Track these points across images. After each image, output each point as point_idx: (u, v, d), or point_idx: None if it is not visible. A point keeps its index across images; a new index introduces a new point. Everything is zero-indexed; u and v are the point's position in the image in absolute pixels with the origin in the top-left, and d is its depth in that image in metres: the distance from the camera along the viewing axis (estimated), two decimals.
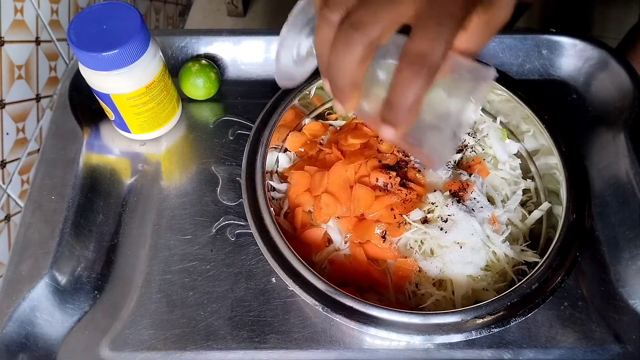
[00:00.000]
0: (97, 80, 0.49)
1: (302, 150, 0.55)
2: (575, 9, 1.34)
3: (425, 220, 0.48)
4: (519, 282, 0.44)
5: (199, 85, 0.58)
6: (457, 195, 0.49)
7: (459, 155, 0.53)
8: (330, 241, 0.49)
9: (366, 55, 0.28)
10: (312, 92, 0.56)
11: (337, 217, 0.49)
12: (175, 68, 0.61)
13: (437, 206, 0.48)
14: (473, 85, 0.30)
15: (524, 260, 0.48)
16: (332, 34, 0.29)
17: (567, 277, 0.44)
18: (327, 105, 0.59)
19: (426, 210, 0.48)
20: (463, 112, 0.30)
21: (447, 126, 0.31)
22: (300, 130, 0.57)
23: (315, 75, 0.54)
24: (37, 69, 0.64)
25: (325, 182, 0.49)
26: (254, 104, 0.58)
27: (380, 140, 0.53)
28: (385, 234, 0.47)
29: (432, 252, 0.47)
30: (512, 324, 0.41)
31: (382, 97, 0.29)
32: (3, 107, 0.59)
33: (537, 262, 0.45)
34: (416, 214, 0.47)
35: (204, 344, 0.44)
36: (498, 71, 0.55)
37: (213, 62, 0.59)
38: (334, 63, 0.29)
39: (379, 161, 0.51)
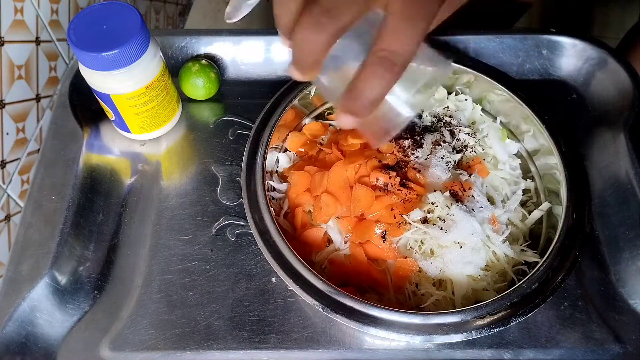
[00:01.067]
0: (97, 80, 0.49)
1: (302, 150, 0.55)
2: (576, 9, 1.34)
3: (425, 220, 0.48)
4: (519, 282, 0.44)
5: (199, 85, 0.58)
6: (457, 195, 0.49)
7: (459, 155, 0.53)
8: (330, 241, 0.49)
9: (332, 40, 0.28)
10: (312, 92, 0.56)
11: (337, 217, 0.49)
12: (175, 68, 0.61)
13: (437, 206, 0.47)
14: (432, 75, 0.32)
15: (524, 260, 0.48)
16: (296, 6, 0.29)
17: (567, 277, 0.44)
18: (327, 105, 0.59)
19: (426, 210, 0.48)
20: (418, 102, 0.32)
21: (401, 113, 0.33)
22: (300, 130, 0.57)
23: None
24: (37, 69, 0.64)
25: (325, 182, 0.49)
26: (254, 104, 0.58)
27: None
28: (385, 234, 0.47)
29: (432, 252, 0.47)
30: (512, 324, 0.41)
31: (343, 75, 0.30)
32: (3, 107, 0.59)
33: (537, 262, 0.45)
34: (416, 214, 0.47)
35: (204, 344, 0.44)
36: (498, 71, 0.55)
37: (213, 62, 0.59)
38: (299, 39, 0.29)
39: (379, 161, 0.51)
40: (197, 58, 0.60)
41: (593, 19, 1.30)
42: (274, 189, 0.53)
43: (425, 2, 0.27)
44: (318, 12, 0.28)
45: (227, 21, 0.40)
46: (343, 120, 0.30)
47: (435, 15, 0.28)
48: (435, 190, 0.49)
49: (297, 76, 0.32)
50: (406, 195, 0.48)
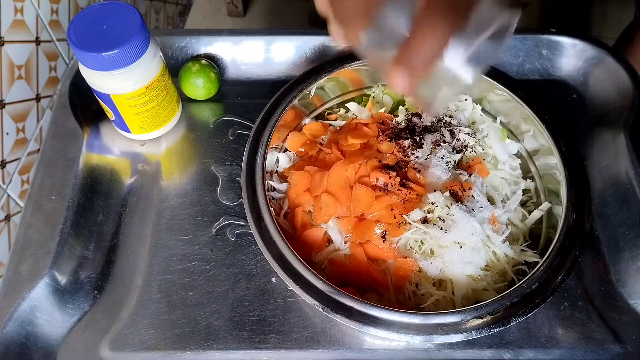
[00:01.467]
0: (97, 80, 0.49)
1: (302, 150, 0.55)
2: (574, 8, 1.34)
3: (425, 220, 0.47)
4: (519, 282, 0.44)
5: (199, 85, 0.58)
6: (457, 195, 0.49)
7: (459, 155, 0.53)
8: (330, 241, 0.49)
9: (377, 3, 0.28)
10: (312, 92, 0.56)
11: (337, 217, 0.49)
12: (175, 68, 0.61)
13: (437, 206, 0.47)
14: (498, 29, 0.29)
15: (524, 260, 0.48)
16: None
17: (567, 277, 0.44)
18: (327, 105, 0.59)
19: (426, 210, 0.48)
20: (470, 78, 0.30)
21: (455, 86, 0.31)
22: (300, 130, 0.57)
23: (315, 75, 0.55)
24: (37, 69, 0.64)
25: (325, 182, 0.49)
26: (254, 104, 0.58)
27: (381, 140, 0.53)
28: (385, 234, 0.47)
29: (432, 252, 0.47)
30: (512, 324, 0.41)
31: (392, 37, 0.28)
32: (3, 107, 0.59)
33: (537, 262, 0.45)
34: (416, 214, 0.47)
35: (204, 344, 0.44)
36: (498, 71, 0.55)
37: (213, 62, 0.59)
38: (339, 5, 0.29)
39: (379, 161, 0.51)
40: (197, 58, 0.60)
41: (591, 17, 1.30)
42: (274, 189, 0.53)
43: None
44: None
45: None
46: (397, 80, 0.28)
47: None
48: (435, 190, 0.48)
49: (341, 43, 0.30)
50: (406, 195, 0.48)
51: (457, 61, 0.30)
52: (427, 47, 0.27)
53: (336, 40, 0.31)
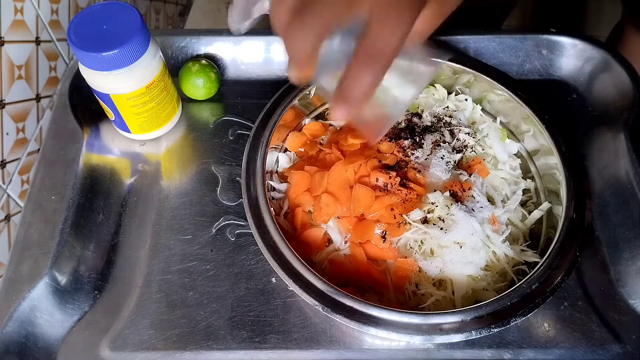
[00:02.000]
0: (97, 80, 0.49)
1: (302, 150, 0.55)
2: (569, 5, 1.33)
3: (425, 220, 0.48)
4: (519, 282, 0.44)
5: (199, 85, 0.58)
6: (457, 195, 0.49)
7: (459, 155, 0.53)
8: (330, 241, 0.49)
9: (318, 39, 0.30)
10: (312, 92, 0.56)
11: (337, 217, 0.49)
12: (175, 68, 0.61)
13: (437, 206, 0.47)
14: (420, 76, 0.34)
15: (524, 260, 0.48)
16: (288, 8, 0.31)
17: (567, 277, 0.44)
18: (327, 105, 0.59)
19: (426, 210, 0.48)
20: (408, 99, 0.35)
21: (393, 109, 0.35)
22: (300, 130, 0.57)
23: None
24: (37, 69, 0.64)
25: (325, 182, 0.49)
26: (254, 104, 0.58)
27: (381, 140, 0.53)
28: (385, 234, 0.47)
29: (432, 252, 0.47)
30: (512, 324, 0.41)
31: (337, 76, 0.32)
32: (3, 107, 0.59)
33: (537, 262, 0.45)
34: (416, 214, 0.47)
35: (204, 344, 0.44)
36: (498, 71, 0.55)
37: (213, 62, 0.59)
38: (289, 39, 0.31)
39: (379, 161, 0.51)
40: (197, 58, 0.60)
41: (586, 14, 1.30)
42: (274, 189, 0.53)
43: (405, 3, 0.30)
44: (303, 13, 0.30)
45: (236, 34, 0.42)
46: (335, 115, 0.32)
47: (416, 13, 0.30)
48: (435, 190, 0.49)
49: (294, 75, 0.33)
50: (406, 195, 0.48)
51: (387, 100, 0.35)
52: (359, 86, 0.30)
53: (290, 75, 0.34)
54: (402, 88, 0.35)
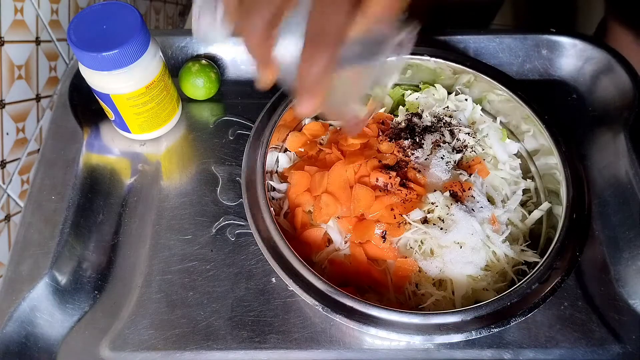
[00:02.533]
0: (97, 80, 0.49)
1: (302, 150, 0.55)
2: (559, 4, 1.33)
3: (425, 220, 0.47)
4: (519, 282, 0.44)
5: (199, 85, 0.58)
6: (457, 195, 0.49)
7: (459, 156, 0.53)
8: (330, 241, 0.49)
9: (266, 33, 0.31)
10: None
11: (337, 217, 0.49)
12: (175, 68, 0.61)
13: (437, 206, 0.47)
14: (388, 64, 0.33)
15: (524, 260, 0.48)
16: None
17: (567, 277, 0.44)
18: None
19: (426, 210, 0.48)
20: (375, 92, 0.35)
21: (354, 103, 0.35)
22: (300, 130, 0.57)
23: None
24: (37, 69, 0.64)
25: (325, 182, 0.49)
26: (254, 104, 0.58)
27: (381, 140, 0.53)
28: (385, 234, 0.47)
29: (432, 252, 0.47)
30: (512, 324, 0.41)
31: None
32: (3, 107, 0.59)
33: (537, 262, 0.45)
34: (416, 214, 0.47)
35: (204, 344, 0.44)
36: (498, 71, 0.55)
37: (213, 62, 0.59)
38: (244, 38, 0.32)
39: (379, 161, 0.51)
40: (197, 58, 0.60)
41: (576, 12, 1.29)
42: (274, 189, 0.53)
43: None
44: (247, 10, 0.31)
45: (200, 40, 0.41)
46: (300, 107, 0.32)
47: None
48: (435, 190, 0.48)
49: (260, 77, 0.34)
50: (406, 195, 0.48)
51: (348, 91, 0.34)
52: (313, 70, 0.30)
53: (257, 79, 0.34)
54: (368, 77, 0.34)
